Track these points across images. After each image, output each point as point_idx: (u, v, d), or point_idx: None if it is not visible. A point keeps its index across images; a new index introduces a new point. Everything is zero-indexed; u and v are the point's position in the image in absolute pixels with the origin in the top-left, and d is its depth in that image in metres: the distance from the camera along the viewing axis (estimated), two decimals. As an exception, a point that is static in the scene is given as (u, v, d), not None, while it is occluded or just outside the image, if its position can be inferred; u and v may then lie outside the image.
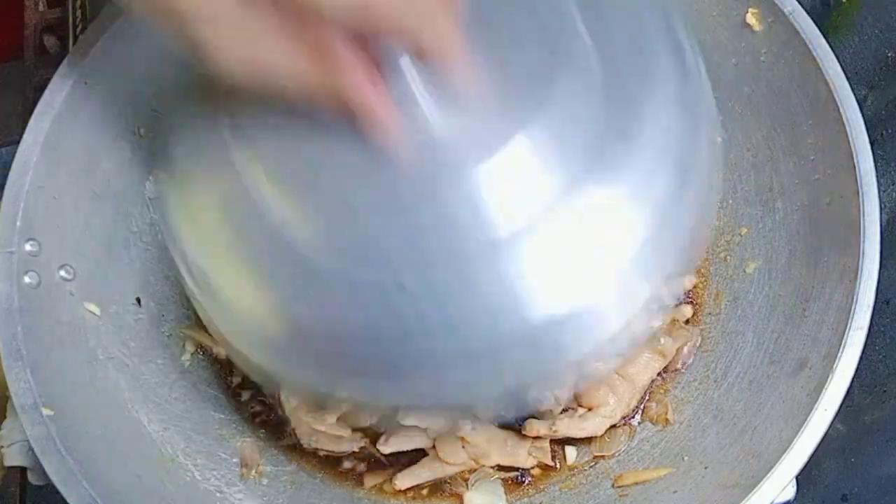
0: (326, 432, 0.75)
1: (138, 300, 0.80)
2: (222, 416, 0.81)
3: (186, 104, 0.60)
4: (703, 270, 0.84)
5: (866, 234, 0.66)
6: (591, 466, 0.78)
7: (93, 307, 0.75)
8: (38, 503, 0.80)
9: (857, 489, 0.82)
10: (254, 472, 0.78)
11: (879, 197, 0.67)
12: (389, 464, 0.77)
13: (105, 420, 0.71)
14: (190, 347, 0.82)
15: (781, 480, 0.62)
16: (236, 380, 0.83)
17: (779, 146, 0.78)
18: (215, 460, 0.78)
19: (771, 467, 0.62)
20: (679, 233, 0.53)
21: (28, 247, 0.69)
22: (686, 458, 0.74)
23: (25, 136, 0.71)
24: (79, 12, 0.99)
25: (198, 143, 0.58)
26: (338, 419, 0.75)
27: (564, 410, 0.76)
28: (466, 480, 0.77)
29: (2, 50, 1.05)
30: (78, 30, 0.97)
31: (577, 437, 0.76)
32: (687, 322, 0.81)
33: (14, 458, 0.72)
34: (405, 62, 0.47)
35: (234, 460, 0.79)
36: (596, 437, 0.77)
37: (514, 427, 0.77)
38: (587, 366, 0.57)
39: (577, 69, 0.49)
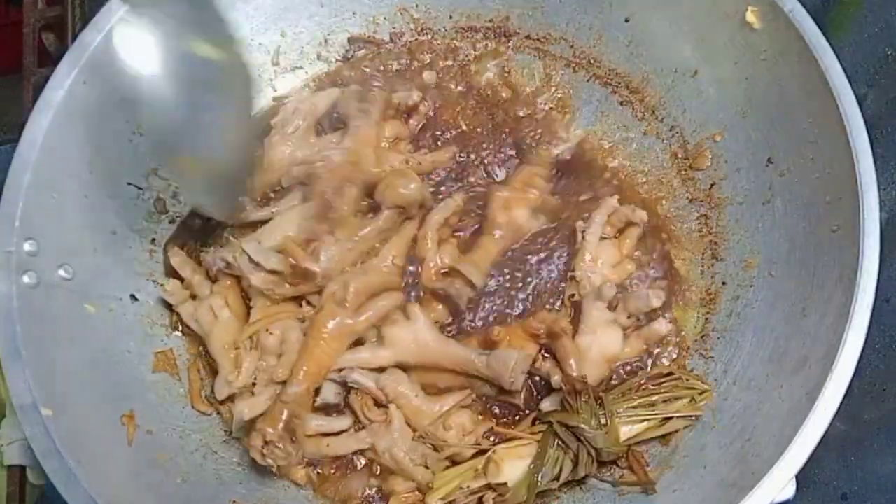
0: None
1: (133, 297, 0.80)
2: (220, 414, 0.81)
3: None
4: (702, 270, 0.84)
5: (866, 233, 0.66)
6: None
7: (92, 307, 0.75)
8: (38, 502, 0.80)
9: (857, 488, 0.82)
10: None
11: (879, 196, 0.67)
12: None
13: (104, 420, 0.71)
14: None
15: (781, 479, 0.62)
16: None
17: (779, 145, 0.78)
18: (214, 458, 0.78)
19: (770, 466, 0.62)
20: None
21: (27, 246, 0.69)
22: (685, 457, 0.74)
23: (24, 134, 0.72)
24: (78, 10, 0.98)
25: None
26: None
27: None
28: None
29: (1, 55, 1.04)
30: (77, 28, 0.97)
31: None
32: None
33: (13, 457, 0.72)
34: None
35: (235, 459, 0.79)
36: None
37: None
38: None
39: None
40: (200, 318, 0.80)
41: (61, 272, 0.72)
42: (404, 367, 0.78)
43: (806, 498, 0.81)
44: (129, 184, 0.81)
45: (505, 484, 0.72)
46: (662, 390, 0.76)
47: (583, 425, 0.72)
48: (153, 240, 0.83)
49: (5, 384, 0.66)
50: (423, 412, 0.77)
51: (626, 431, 0.73)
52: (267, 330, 0.78)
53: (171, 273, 0.83)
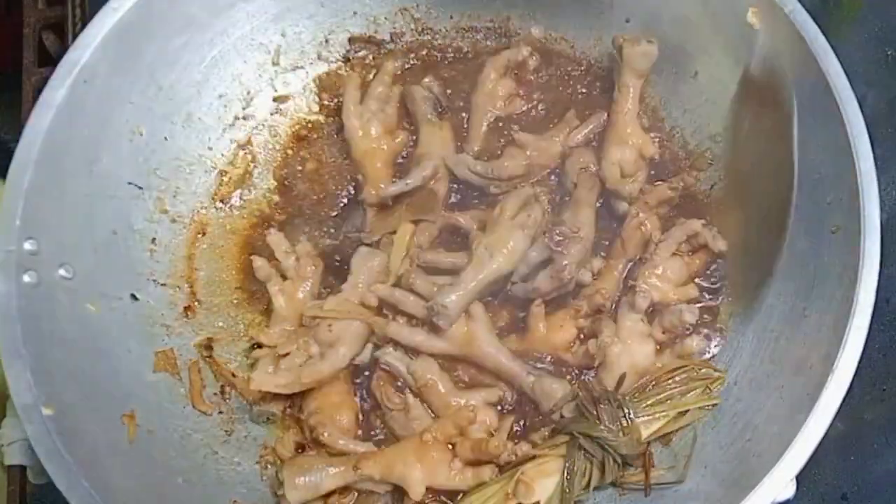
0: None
1: (133, 296, 0.80)
2: (221, 414, 0.81)
3: None
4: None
5: (866, 233, 0.66)
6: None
7: (92, 306, 0.75)
8: (38, 502, 0.80)
9: (857, 488, 0.82)
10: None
11: (879, 196, 0.67)
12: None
13: (105, 420, 0.71)
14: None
15: (781, 479, 0.62)
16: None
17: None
18: (214, 458, 0.78)
19: (771, 466, 0.62)
20: None
21: (28, 246, 0.69)
22: (685, 457, 0.74)
23: (24, 134, 0.71)
24: (78, 10, 0.98)
25: None
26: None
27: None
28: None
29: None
30: (77, 28, 0.97)
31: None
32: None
33: (14, 457, 0.72)
34: None
35: (236, 459, 0.79)
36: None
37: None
38: None
39: None
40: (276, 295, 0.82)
41: (61, 272, 0.72)
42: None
43: (806, 498, 0.81)
44: (130, 184, 0.81)
45: (538, 503, 0.72)
46: (677, 383, 0.75)
47: (607, 435, 0.71)
48: (153, 240, 0.83)
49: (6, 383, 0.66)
50: (449, 403, 0.77)
51: (645, 430, 0.73)
52: (329, 326, 0.79)
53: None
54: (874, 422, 0.84)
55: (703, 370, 0.76)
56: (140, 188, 0.82)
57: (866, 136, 0.68)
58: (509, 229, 0.80)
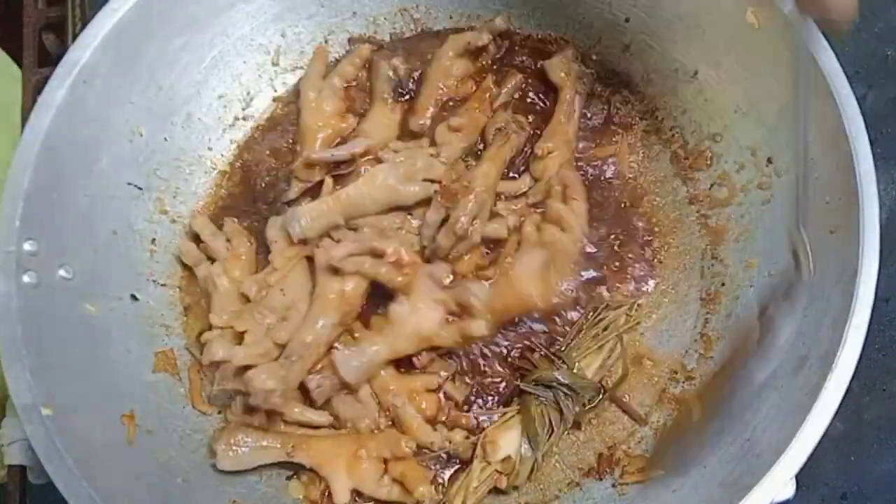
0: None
1: (133, 297, 0.80)
2: (221, 414, 0.81)
3: None
4: (702, 270, 0.84)
5: (866, 233, 0.66)
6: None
7: (92, 307, 0.75)
8: (39, 502, 0.80)
9: (857, 487, 0.82)
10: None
11: (879, 196, 0.67)
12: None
13: (105, 420, 0.71)
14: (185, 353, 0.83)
15: (781, 479, 0.62)
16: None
17: (779, 145, 0.78)
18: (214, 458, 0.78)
19: (770, 466, 0.62)
20: None
21: (27, 246, 0.69)
22: (685, 457, 0.74)
23: (24, 134, 0.71)
24: (78, 10, 0.98)
25: None
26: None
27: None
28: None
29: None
30: (77, 28, 0.97)
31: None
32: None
33: (14, 457, 0.72)
34: None
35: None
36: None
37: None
38: None
39: None
40: (205, 279, 0.82)
41: (61, 272, 0.72)
42: None
43: (806, 498, 0.81)
44: (129, 184, 0.81)
45: (509, 457, 0.74)
46: (600, 322, 0.81)
47: (544, 372, 0.76)
48: (153, 240, 0.84)
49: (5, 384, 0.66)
50: (388, 388, 0.78)
51: (588, 364, 0.79)
52: (281, 291, 0.79)
53: (192, 238, 0.85)
54: (874, 422, 0.84)
55: (620, 304, 0.83)
56: (140, 189, 0.82)
57: (866, 137, 0.68)
58: (381, 167, 0.82)
